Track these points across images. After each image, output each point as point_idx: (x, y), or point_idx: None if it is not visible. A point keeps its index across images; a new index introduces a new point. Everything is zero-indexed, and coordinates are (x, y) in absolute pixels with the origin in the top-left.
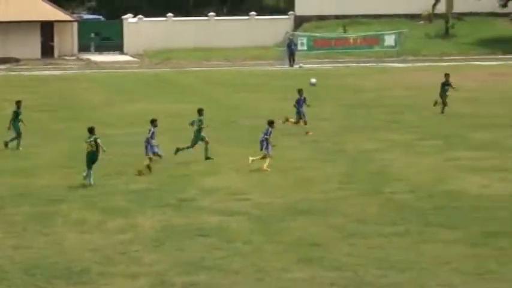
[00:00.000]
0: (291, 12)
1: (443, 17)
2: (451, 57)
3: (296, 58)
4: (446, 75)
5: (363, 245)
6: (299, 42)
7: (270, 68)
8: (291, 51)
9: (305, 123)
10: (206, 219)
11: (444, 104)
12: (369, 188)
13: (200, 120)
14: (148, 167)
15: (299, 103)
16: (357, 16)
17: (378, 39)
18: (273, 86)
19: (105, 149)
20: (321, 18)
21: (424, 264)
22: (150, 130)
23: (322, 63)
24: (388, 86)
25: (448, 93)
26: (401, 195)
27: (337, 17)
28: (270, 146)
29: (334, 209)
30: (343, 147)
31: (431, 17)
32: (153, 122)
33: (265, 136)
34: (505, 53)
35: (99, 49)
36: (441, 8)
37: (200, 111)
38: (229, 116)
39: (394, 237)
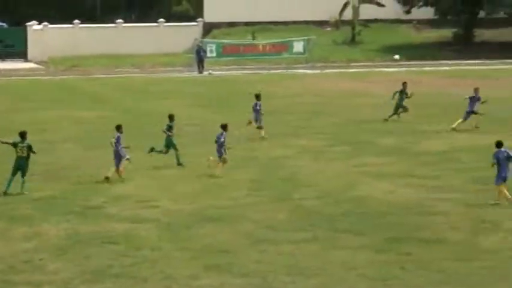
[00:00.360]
0: (200, 19)
1: (350, 23)
2: (358, 64)
3: (205, 65)
4: (404, 84)
5: (271, 252)
6: (208, 48)
7: (180, 75)
8: (200, 57)
9: (259, 127)
10: (114, 226)
11: (397, 112)
12: (278, 195)
13: (170, 126)
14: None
15: (256, 107)
16: (266, 23)
17: (287, 46)
18: (183, 93)
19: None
20: (230, 25)
21: (331, 270)
22: (116, 135)
23: (231, 70)
24: (298, 92)
25: (403, 102)
26: (310, 201)
27: (246, 23)
28: (223, 150)
29: (243, 215)
30: (253, 153)
31: (339, 23)
32: (119, 129)
33: (219, 144)
34: (408, 59)
35: (2, 56)
36: (348, 14)
37: (171, 117)
38: (139, 123)
39: (303, 244)
